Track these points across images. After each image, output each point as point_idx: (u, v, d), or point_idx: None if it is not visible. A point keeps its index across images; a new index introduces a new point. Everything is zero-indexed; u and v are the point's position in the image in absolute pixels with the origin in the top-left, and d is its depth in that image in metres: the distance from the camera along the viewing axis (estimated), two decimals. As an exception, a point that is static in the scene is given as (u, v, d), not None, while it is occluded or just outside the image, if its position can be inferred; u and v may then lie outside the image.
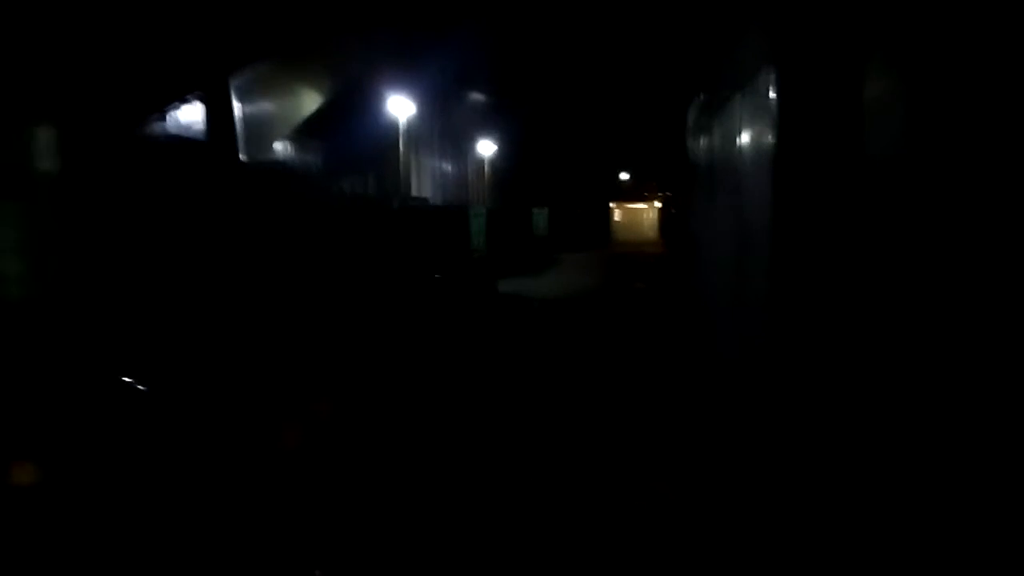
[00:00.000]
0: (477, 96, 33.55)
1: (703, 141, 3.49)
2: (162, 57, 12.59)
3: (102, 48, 10.59)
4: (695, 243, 3.97)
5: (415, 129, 26.19)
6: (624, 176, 45.62)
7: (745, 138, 2.29)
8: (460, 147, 32.91)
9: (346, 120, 24.46)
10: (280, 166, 17.55)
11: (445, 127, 31.12)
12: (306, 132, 22.73)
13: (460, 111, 32.29)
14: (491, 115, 33.56)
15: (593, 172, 39.44)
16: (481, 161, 32.55)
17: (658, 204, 34.33)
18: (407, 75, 25.29)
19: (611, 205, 35.94)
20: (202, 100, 15.97)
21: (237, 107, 18.26)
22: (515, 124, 34.17)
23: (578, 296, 17.82)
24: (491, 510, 4.10)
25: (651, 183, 39.86)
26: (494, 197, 31.75)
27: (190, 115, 15.29)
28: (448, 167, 32.23)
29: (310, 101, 22.99)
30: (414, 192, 27.23)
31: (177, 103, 15.66)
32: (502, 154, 33.42)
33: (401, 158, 23.47)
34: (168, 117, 15.12)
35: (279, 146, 21.58)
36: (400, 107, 22.15)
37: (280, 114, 21.86)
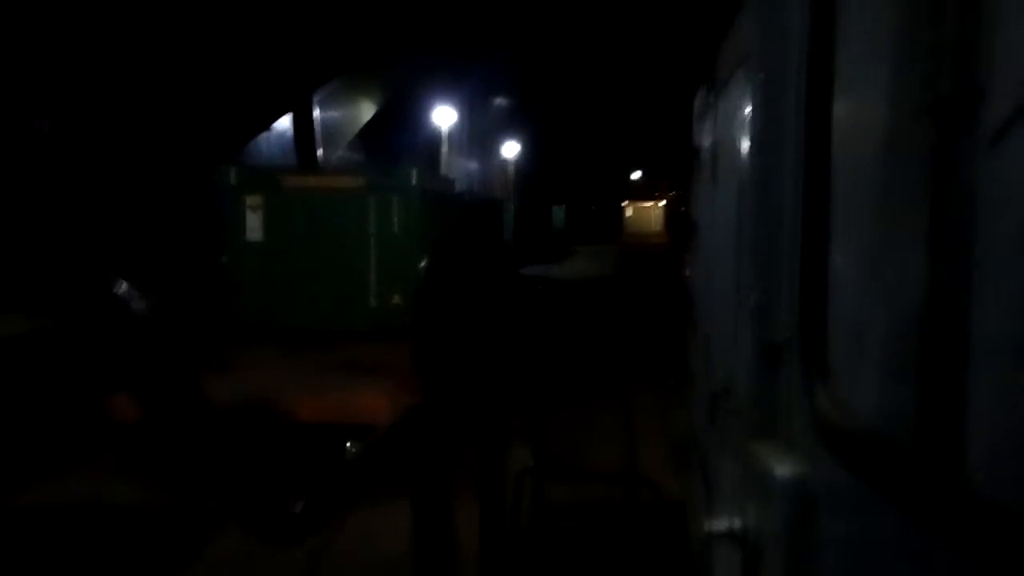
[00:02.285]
0: (501, 102, 38.53)
1: (706, 125, 3.24)
2: (271, 84, 17.76)
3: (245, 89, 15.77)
4: (695, 229, 3.71)
5: (450, 133, 31.19)
6: (636, 175, 50.56)
7: (743, 117, 2.01)
8: (486, 149, 37.98)
9: (395, 126, 29.70)
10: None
11: (473, 131, 36.14)
12: (362, 137, 27.99)
13: (486, 116, 37.33)
14: (514, 120, 38.51)
15: (607, 173, 44.44)
16: (505, 162, 37.57)
17: (663, 203, 39.29)
18: (444, 85, 30.39)
19: (623, 204, 40.86)
20: (293, 115, 21.36)
21: (316, 118, 23.58)
22: (535, 128, 39.08)
23: (592, 279, 22.93)
24: (585, 361, 9.12)
25: (662, 183, 44.78)
26: (516, 195, 36.70)
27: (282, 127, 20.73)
28: (474, 167, 37.30)
29: (367, 111, 28.16)
30: (450, 189, 32.35)
31: (276, 118, 21.12)
32: (524, 156, 38.42)
33: (443, 159, 28.60)
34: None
35: (341, 152, 26.81)
36: (444, 116, 27.24)
37: (344, 122, 27.10)
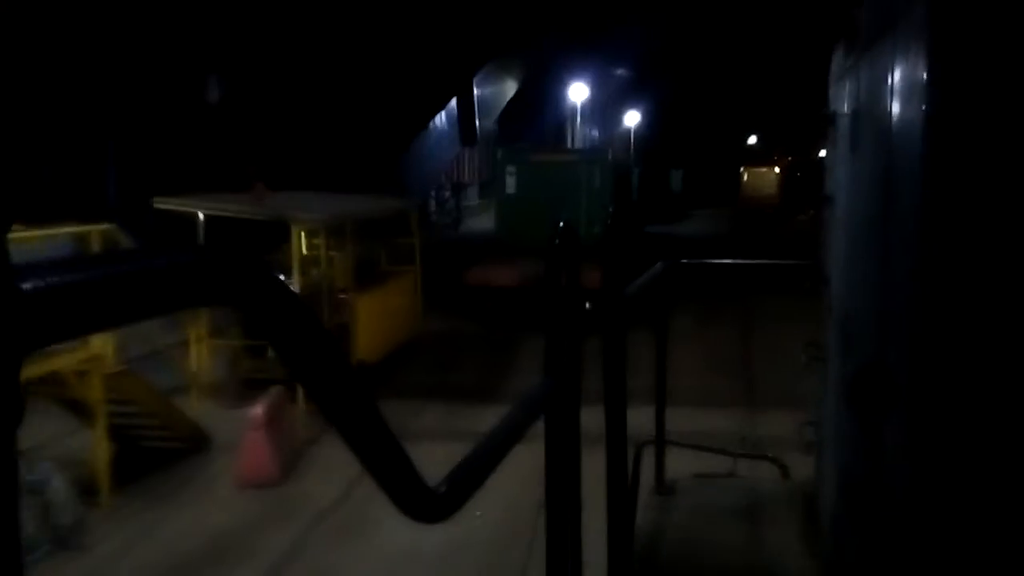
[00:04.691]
0: (623, 72, 43.31)
1: (844, 90, 2.82)
2: (447, 72, 23.39)
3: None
4: (829, 202, 3.19)
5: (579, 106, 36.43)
6: (752, 140, 54.34)
7: (894, 83, 1.75)
8: (608, 117, 43.04)
9: (531, 100, 35.41)
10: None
11: (597, 101, 41.20)
12: (506, 110, 33.86)
13: (609, 87, 42.28)
14: (634, 88, 43.23)
15: (723, 138, 48.64)
16: (627, 130, 42.57)
17: (777, 169, 43.43)
18: (574, 62, 35.66)
19: (740, 168, 45.21)
20: (457, 96, 27.40)
21: (475, 95, 29.56)
22: (655, 96, 43.68)
23: (708, 237, 28.00)
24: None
25: (777, 148, 48.59)
26: (637, 160, 41.61)
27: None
28: (596, 134, 42.45)
29: (510, 88, 33.97)
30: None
31: (451, 99, 27.19)
32: (643, 123, 43.26)
33: (575, 129, 34.10)
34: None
35: (490, 123, 32.79)
36: (578, 91, 32.66)
37: (492, 98, 33.00)
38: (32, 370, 5.61)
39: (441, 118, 27.88)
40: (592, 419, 2.32)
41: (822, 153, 4.09)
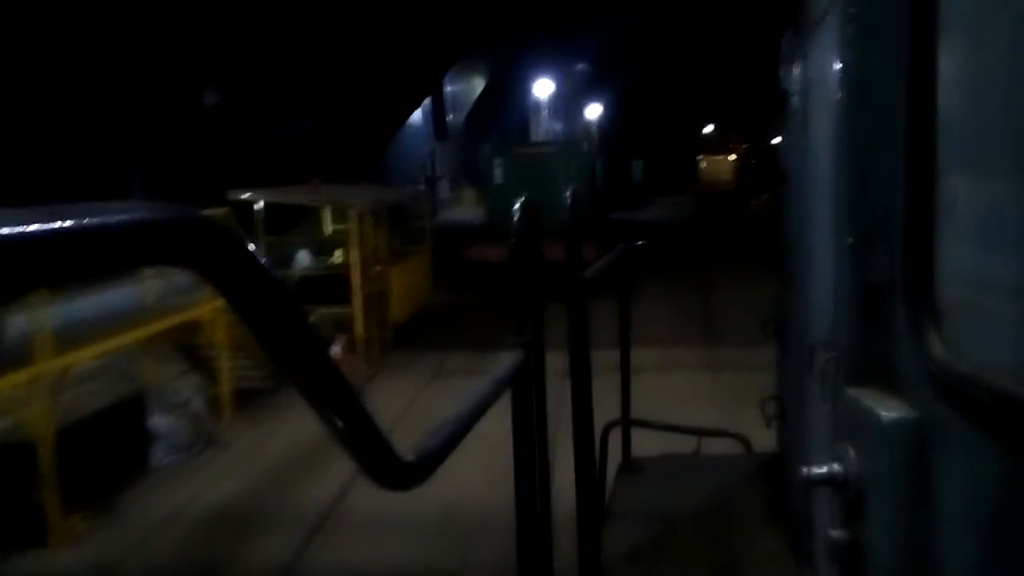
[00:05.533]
0: (583, 67, 45.61)
1: (795, 69, 2.87)
2: (421, 74, 25.36)
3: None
4: (785, 178, 3.21)
5: (541, 100, 38.63)
6: (709, 128, 57.21)
7: (838, 59, 1.85)
8: (570, 110, 45.32)
9: (496, 95, 37.54)
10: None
11: (559, 95, 43.43)
12: (476, 108, 35.98)
13: (570, 81, 44.55)
14: (595, 82, 45.57)
15: (681, 128, 51.30)
16: (588, 122, 44.94)
17: (733, 156, 46.38)
18: (536, 58, 37.79)
19: (698, 157, 48.00)
20: (431, 97, 29.42)
21: (446, 93, 31.60)
22: (615, 88, 46.10)
23: (668, 222, 30.51)
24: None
25: (734, 136, 51.46)
26: (599, 152, 43.92)
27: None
28: (559, 127, 44.70)
29: (478, 84, 36.07)
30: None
31: (424, 98, 29.20)
32: (604, 115, 45.69)
33: (541, 124, 36.35)
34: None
35: (461, 116, 34.80)
36: (543, 87, 34.90)
37: (462, 94, 35.08)
38: (178, 317, 7.66)
39: (416, 115, 29.88)
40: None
41: (776, 140, 4.25)
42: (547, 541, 2.20)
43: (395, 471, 1.10)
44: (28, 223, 0.48)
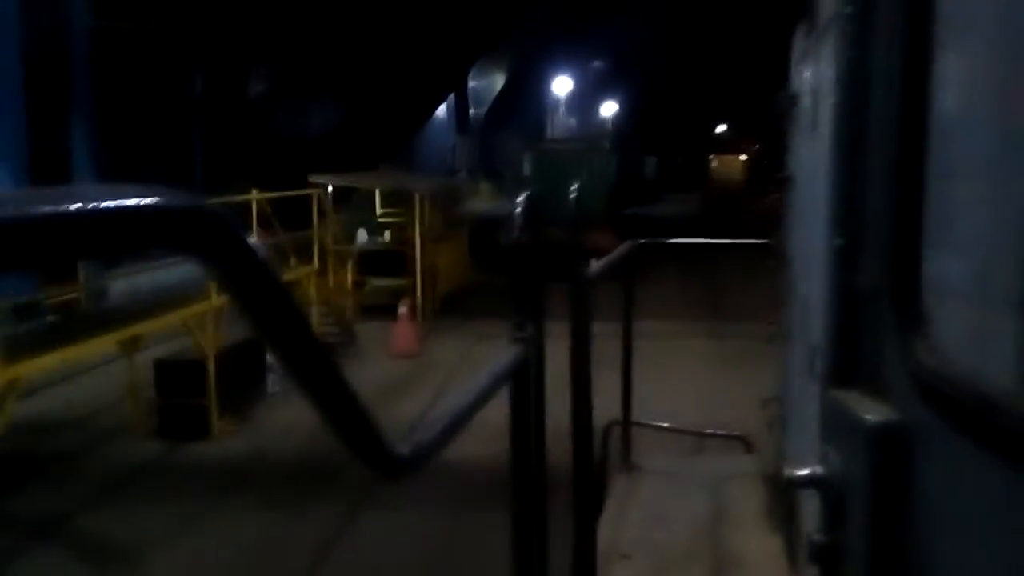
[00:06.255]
0: (600, 65, 47.30)
1: (806, 71, 2.89)
2: (446, 71, 27.02)
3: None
4: (791, 183, 3.32)
5: (558, 97, 40.40)
6: (722, 128, 59.01)
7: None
8: (586, 107, 47.08)
9: (516, 91, 39.25)
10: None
11: (576, 92, 45.16)
12: (494, 104, 37.69)
13: (586, 78, 46.28)
14: (610, 80, 47.27)
15: (694, 127, 53.10)
16: (604, 119, 46.74)
17: (744, 157, 48.24)
18: (555, 55, 39.47)
19: (710, 156, 49.92)
20: (455, 94, 31.18)
21: (470, 88, 33.37)
22: (630, 87, 47.79)
23: (679, 217, 32.34)
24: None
25: (746, 136, 53.27)
26: (614, 149, 45.68)
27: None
28: (575, 123, 46.46)
29: (499, 80, 37.84)
30: (562, 144, 41.64)
31: (450, 93, 31.01)
32: (619, 113, 47.49)
33: (558, 121, 38.18)
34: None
35: (483, 110, 36.55)
36: (561, 84, 36.76)
37: (483, 89, 36.82)
38: (288, 276, 9.54)
39: (440, 110, 31.71)
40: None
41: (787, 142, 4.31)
42: (543, 535, 2.25)
43: (387, 462, 1.12)
44: (38, 204, 0.51)
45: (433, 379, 9.53)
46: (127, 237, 0.57)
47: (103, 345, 7.12)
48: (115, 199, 0.55)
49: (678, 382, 9.07)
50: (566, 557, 2.78)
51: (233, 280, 0.70)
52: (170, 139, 16.98)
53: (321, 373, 0.89)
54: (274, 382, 8.80)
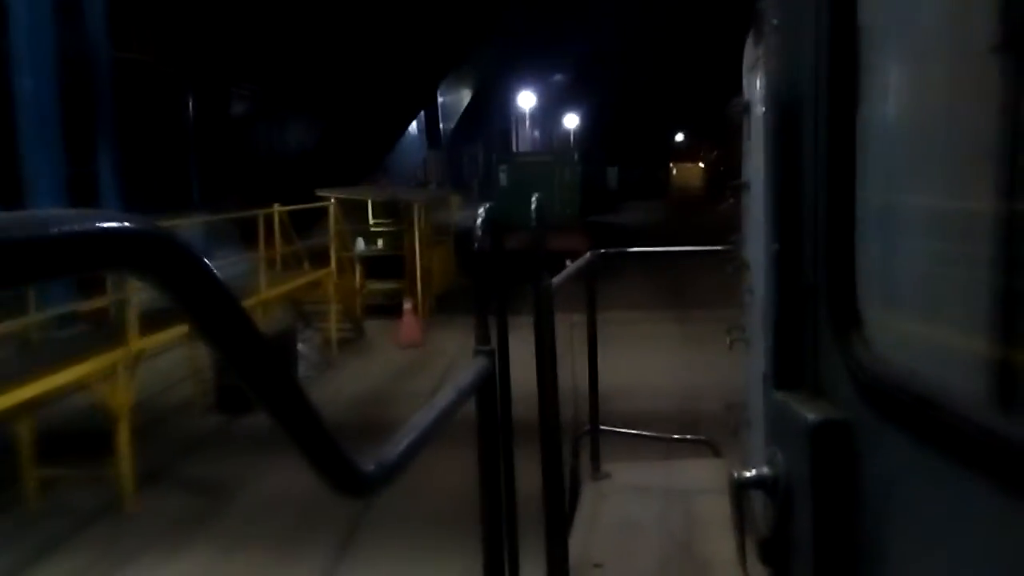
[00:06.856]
0: (560, 78, 49.25)
1: (756, 79, 3.10)
2: (417, 89, 28.58)
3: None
4: (745, 190, 3.55)
5: (521, 110, 42.25)
6: (680, 137, 61.48)
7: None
8: (548, 120, 49.01)
9: (481, 105, 40.99)
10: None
11: (538, 106, 47.03)
12: (461, 119, 39.41)
13: (547, 92, 48.19)
14: (571, 92, 49.22)
15: (653, 137, 55.36)
16: (566, 132, 48.74)
17: (702, 164, 50.67)
18: (518, 70, 41.18)
19: (670, 164, 52.26)
20: (425, 110, 32.81)
21: (439, 103, 35.03)
22: (591, 98, 49.80)
23: (641, 225, 34.24)
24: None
25: (704, 144, 55.72)
26: (577, 159, 47.56)
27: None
28: (537, 135, 48.35)
29: (465, 96, 39.58)
30: (528, 156, 43.30)
31: (420, 110, 32.60)
32: (581, 124, 49.52)
33: (524, 133, 40.01)
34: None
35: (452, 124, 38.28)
36: (526, 99, 38.62)
37: (451, 104, 38.51)
38: (310, 277, 11.09)
39: (412, 126, 33.32)
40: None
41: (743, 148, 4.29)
42: (514, 546, 2.25)
43: (352, 479, 1.10)
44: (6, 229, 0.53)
45: (439, 363, 11.15)
46: (85, 260, 0.60)
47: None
48: (73, 224, 0.58)
49: (648, 355, 10.83)
50: (540, 566, 2.85)
51: (190, 301, 0.72)
52: (170, 161, 18.33)
53: (282, 392, 0.90)
54: (303, 368, 10.33)
